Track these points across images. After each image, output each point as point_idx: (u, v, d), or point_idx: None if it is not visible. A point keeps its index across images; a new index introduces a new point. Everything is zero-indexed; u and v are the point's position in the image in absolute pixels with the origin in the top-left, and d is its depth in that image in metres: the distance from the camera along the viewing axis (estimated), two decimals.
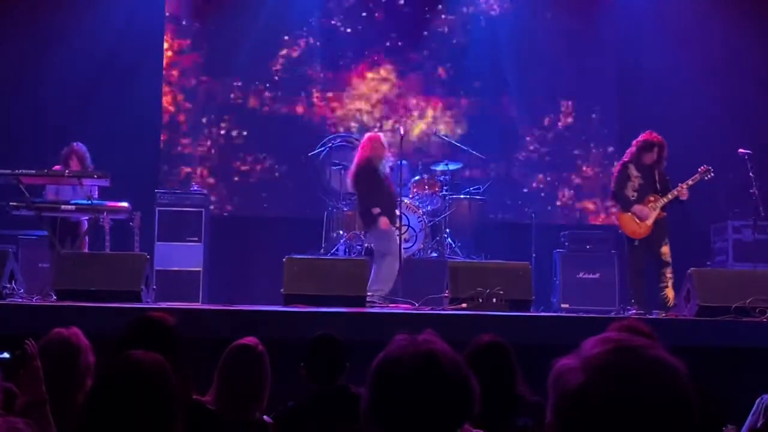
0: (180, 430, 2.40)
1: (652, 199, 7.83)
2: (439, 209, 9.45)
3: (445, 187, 9.57)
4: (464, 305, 6.68)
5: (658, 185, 7.87)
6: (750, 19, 10.48)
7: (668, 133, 9.59)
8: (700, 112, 10.42)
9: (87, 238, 8.23)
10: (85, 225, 8.30)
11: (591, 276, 9.46)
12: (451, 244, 9.32)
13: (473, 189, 9.91)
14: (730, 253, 9.57)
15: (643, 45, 10.80)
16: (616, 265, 9.33)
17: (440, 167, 9.76)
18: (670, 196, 7.79)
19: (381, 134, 8.81)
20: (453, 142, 10.04)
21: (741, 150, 8.36)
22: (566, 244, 9.70)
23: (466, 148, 9.97)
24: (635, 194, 7.87)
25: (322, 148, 9.96)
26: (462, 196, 9.67)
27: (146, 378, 2.37)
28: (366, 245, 8.81)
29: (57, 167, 8.18)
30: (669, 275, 7.70)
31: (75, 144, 8.47)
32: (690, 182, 7.82)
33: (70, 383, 3.35)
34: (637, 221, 7.83)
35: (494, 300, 6.69)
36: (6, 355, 3.00)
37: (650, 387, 1.37)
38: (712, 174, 7.84)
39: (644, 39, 10.80)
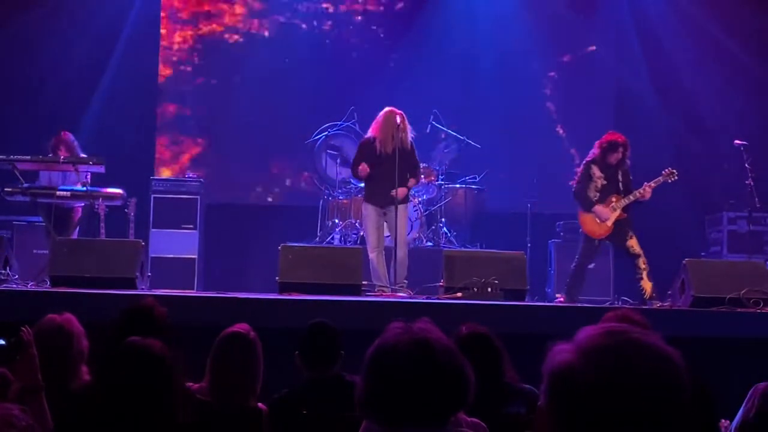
0: (182, 417, 2.41)
1: (614, 199, 7.80)
2: (435, 198, 9.44)
3: (441, 176, 9.56)
4: (459, 294, 6.68)
5: (620, 185, 7.84)
6: (746, 9, 10.46)
7: (664, 125, 9.63)
8: (696, 103, 10.41)
9: (78, 225, 8.19)
10: (80, 212, 8.27)
11: None
12: (446, 233, 9.32)
13: (469, 178, 9.89)
14: (725, 244, 9.58)
15: (641, 37, 10.79)
16: (610, 256, 9.33)
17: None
18: (632, 197, 7.74)
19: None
20: (449, 131, 10.00)
21: (737, 141, 8.38)
22: (561, 234, 9.70)
23: (462, 137, 9.94)
24: (597, 195, 7.84)
25: (319, 136, 9.93)
26: (458, 186, 9.66)
27: (152, 364, 2.37)
28: (362, 234, 8.78)
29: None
30: (643, 266, 7.66)
31: (63, 133, 8.39)
32: (653, 184, 7.75)
33: (63, 369, 3.35)
34: (597, 221, 7.83)
35: (489, 289, 6.68)
36: (1, 342, 2.99)
37: (644, 370, 1.38)
38: (676, 177, 7.78)
39: (642, 31, 10.78)
